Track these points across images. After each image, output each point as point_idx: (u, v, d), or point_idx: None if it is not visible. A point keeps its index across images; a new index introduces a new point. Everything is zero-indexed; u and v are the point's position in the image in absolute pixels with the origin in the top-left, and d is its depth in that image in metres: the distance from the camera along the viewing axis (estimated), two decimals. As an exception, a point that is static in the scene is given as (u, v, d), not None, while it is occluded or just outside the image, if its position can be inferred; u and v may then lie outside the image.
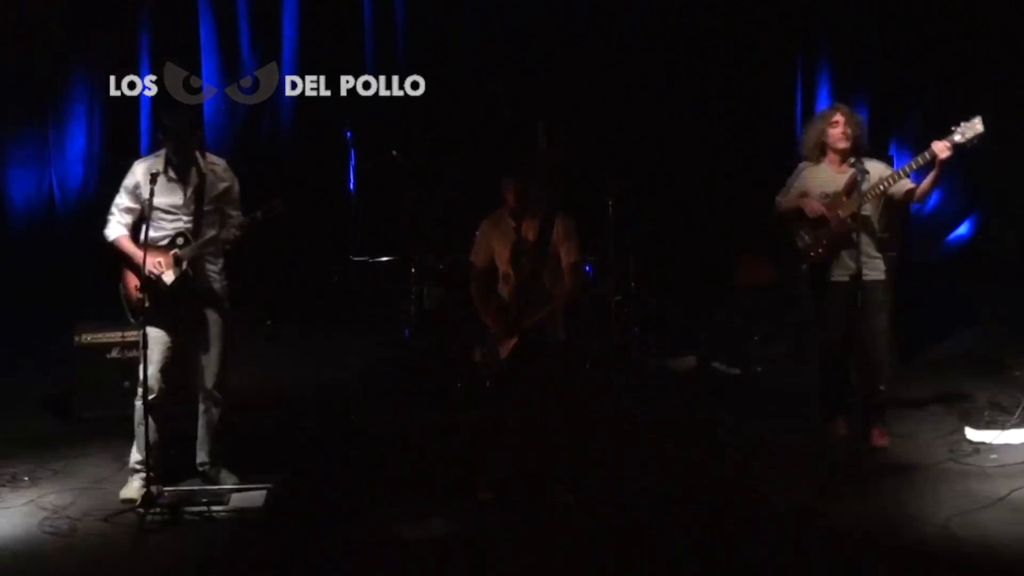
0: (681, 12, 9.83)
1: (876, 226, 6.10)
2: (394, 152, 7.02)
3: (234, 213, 5.83)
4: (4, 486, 6.04)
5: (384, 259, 8.64)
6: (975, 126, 5.80)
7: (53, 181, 9.71)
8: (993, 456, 6.11)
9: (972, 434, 6.38)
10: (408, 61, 10.05)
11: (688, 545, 5.19)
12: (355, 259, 9.22)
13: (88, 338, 6.95)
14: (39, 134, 9.64)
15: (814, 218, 6.07)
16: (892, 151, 9.60)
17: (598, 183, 7.77)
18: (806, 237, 6.13)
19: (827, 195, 6.10)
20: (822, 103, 10.00)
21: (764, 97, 9.73)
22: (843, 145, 6.06)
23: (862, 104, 9.92)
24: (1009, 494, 5.53)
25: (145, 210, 5.68)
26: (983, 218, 9.81)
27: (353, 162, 9.04)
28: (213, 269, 5.84)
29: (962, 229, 9.96)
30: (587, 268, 7.15)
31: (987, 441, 6.27)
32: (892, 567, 4.92)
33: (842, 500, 5.52)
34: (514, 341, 5.57)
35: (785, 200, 6.22)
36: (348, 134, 9.15)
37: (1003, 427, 6.35)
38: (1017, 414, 6.47)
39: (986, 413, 6.72)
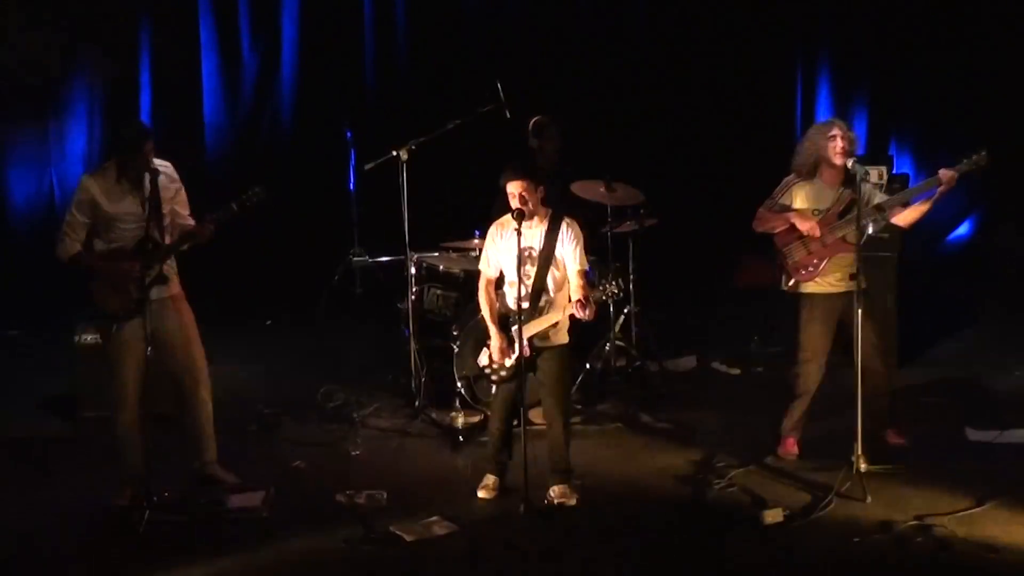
0: (681, 13, 9.84)
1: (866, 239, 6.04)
2: (395, 152, 7.02)
3: (184, 212, 5.82)
4: (5, 485, 6.04)
5: (384, 259, 8.64)
6: (982, 159, 5.74)
7: (53, 181, 9.72)
8: (993, 457, 6.10)
9: (972, 434, 6.38)
10: (408, 61, 10.06)
11: (687, 545, 5.19)
12: (355, 259, 9.23)
13: (88, 338, 6.94)
14: (39, 134, 9.65)
15: (808, 236, 5.99)
16: (892, 151, 9.62)
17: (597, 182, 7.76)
18: (796, 254, 6.05)
19: (819, 211, 6.02)
20: (822, 103, 10.02)
21: (764, 97, 9.74)
22: (840, 161, 5.96)
23: (862, 104, 9.94)
24: (1009, 494, 5.53)
25: (99, 223, 5.68)
26: (983, 218, 9.82)
27: (353, 162, 9.05)
28: (172, 272, 5.81)
29: (962, 229, 9.97)
30: (588, 273, 7.14)
31: (987, 441, 6.27)
32: (892, 567, 4.93)
33: (842, 500, 5.52)
34: (520, 348, 5.55)
35: (772, 215, 6.06)
36: (348, 134, 9.16)
37: (1003, 427, 6.35)
38: (1017, 414, 6.46)
39: (986, 413, 6.71)
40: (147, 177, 5.66)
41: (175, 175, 5.86)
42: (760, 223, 6.10)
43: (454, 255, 7.30)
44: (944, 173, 5.73)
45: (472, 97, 7.29)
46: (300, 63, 10.10)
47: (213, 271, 6.00)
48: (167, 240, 5.70)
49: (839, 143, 5.91)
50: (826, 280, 6.00)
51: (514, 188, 5.53)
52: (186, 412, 5.91)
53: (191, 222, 5.80)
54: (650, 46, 9.95)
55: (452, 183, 8.51)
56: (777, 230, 6.05)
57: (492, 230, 5.77)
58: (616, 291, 5.60)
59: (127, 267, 5.61)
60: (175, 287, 5.84)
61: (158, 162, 5.78)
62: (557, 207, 5.83)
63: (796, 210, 6.01)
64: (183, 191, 5.87)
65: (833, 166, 5.96)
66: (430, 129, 7.12)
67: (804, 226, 5.94)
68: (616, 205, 7.29)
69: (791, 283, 6.06)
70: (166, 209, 5.74)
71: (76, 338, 6.96)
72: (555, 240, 5.61)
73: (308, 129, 10.06)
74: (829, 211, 5.98)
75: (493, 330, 5.71)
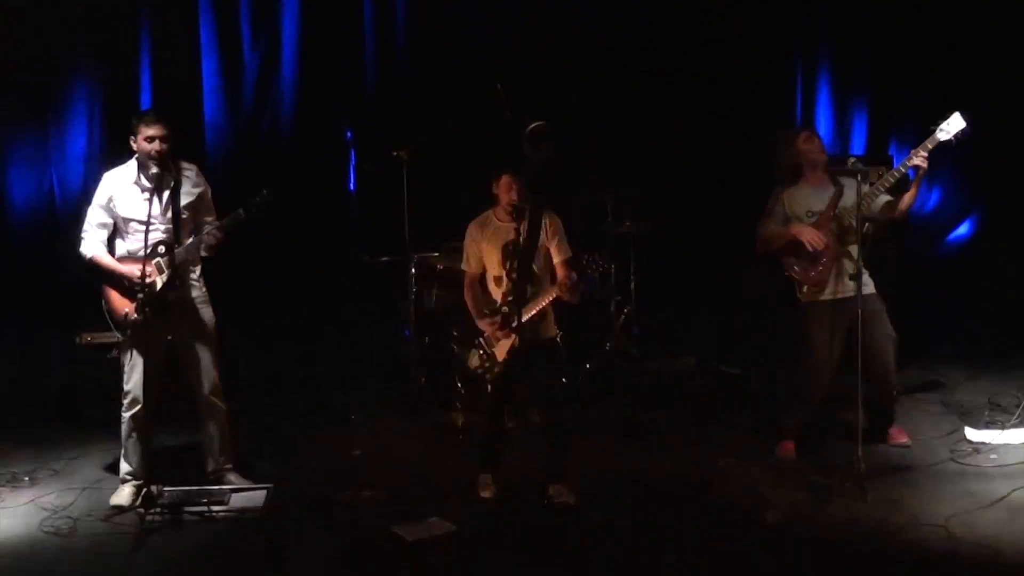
0: (681, 12, 9.83)
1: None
2: (395, 152, 7.02)
3: (209, 219, 5.79)
4: (4, 486, 6.05)
5: (384, 259, 8.62)
6: (957, 121, 5.76)
7: (53, 181, 9.70)
8: (993, 456, 6.11)
9: (972, 434, 6.38)
10: (408, 61, 10.06)
11: (687, 546, 5.19)
12: (355, 259, 9.22)
13: (88, 338, 6.95)
14: (39, 134, 9.63)
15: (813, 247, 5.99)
16: (892, 151, 9.61)
17: (598, 184, 7.77)
18: (802, 262, 6.03)
19: (813, 213, 6.04)
20: (822, 103, 10.01)
21: (764, 98, 9.73)
22: (823, 158, 6.02)
23: (862, 104, 9.93)
24: (1009, 494, 5.53)
25: (119, 223, 5.66)
26: (983, 218, 9.81)
27: (353, 162, 9.04)
28: (193, 276, 5.81)
29: (962, 229, 9.96)
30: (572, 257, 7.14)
31: (987, 441, 6.27)
32: (892, 567, 4.93)
33: (842, 500, 5.52)
34: (510, 343, 5.57)
35: (773, 232, 6.08)
36: (348, 134, 9.15)
37: (1003, 427, 6.35)
38: (1017, 414, 6.47)
39: (986, 413, 6.72)
40: (167, 179, 5.63)
41: (200, 179, 5.81)
42: (763, 245, 6.12)
43: (454, 255, 7.29)
44: (918, 159, 5.77)
45: (472, 97, 7.28)
46: (300, 63, 10.07)
47: (211, 271, 5.99)
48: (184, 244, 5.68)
49: (816, 143, 6.00)
50: (828, 288, 6.01)
51: (510, 182, 5.58)
52: (200, 416, 5.91)
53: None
54: (649, 46, 9.93)
55: (452, 183, 8.50)
56: (779, 246, 6.07)
57: (472, 228, 5.80)
58: (601, 264, 5.60)
59: (132, 271, 5.58)
60: (196, 290, 5.81)
61: (183, 165, 5.77)
62: (539, 204, 5.83)
63: (790, 222, 6.03)
64: (208, 196, 5.82)
65: (816, 166, 6.01)
66: (430, 129, 7.11)
67: (807, 237, 5.93)
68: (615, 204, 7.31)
69: (804, 290, 6.07)
70: (187, 214, 5.72)
71: (76, 338, 6.95)
72: (537, 233, 5.64)
73: (308, 129, 10.04)
74: (823, 213, 6.00)
75: (482, 321, 5.71)
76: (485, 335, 5.72)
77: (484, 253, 5.72)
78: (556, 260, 5.68)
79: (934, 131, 5.79)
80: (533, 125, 7.45)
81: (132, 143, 5.67)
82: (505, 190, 5.61)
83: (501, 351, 5.66)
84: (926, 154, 5.79)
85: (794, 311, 6.15)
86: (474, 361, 5.77)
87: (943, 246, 9.91)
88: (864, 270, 5.92)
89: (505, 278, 5.64)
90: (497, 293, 5.71)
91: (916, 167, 5.82)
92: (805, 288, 6.07)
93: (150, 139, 5.60)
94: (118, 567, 5.12)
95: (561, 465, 5.70)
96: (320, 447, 6.57)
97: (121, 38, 9.64)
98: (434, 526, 5.36)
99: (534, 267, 5.65)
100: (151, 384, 5.72)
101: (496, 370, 5.69)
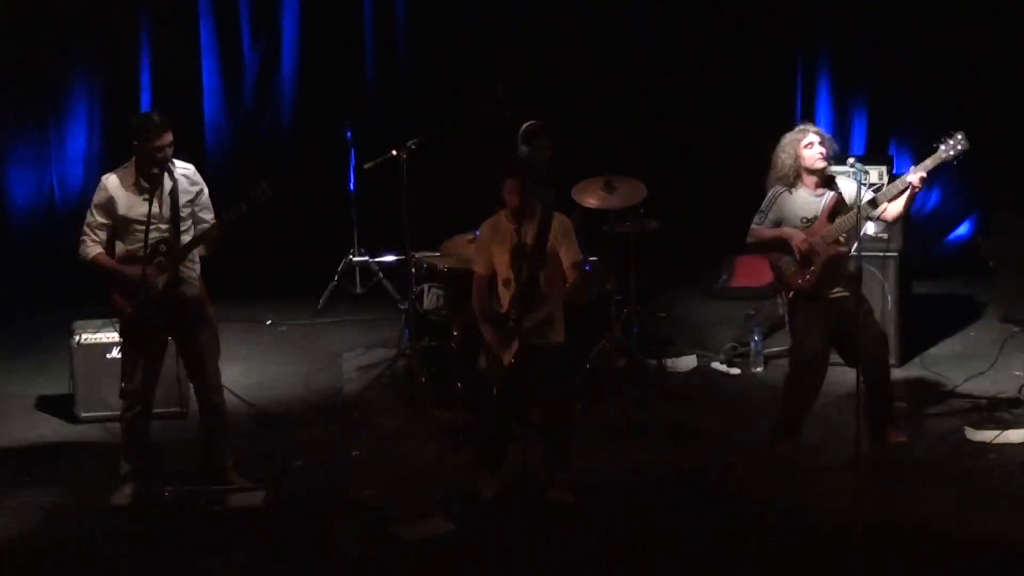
0: (681, 12, 9.84)
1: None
2: (395, 151, 7.01)
3: (207, 217, 5.79)
4: (4, 486, 6.04)
5: (384, 259, 8.63)
6: (960, 142, 5.75)
7: (53, 181, 9.71)
8: (993, 456, 6.11)
9: (972, 434, 6.38)
10: (408, 61, 10.07)
11: (687, 545, 5.19)
12: (355, 259, 9.22)
13: (87, 338, 6.94)
14: (39, 134, 9.64)
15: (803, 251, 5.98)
16: (892, 151, 9.62)
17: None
18: (792, 266, 6.02)
19: (807, 220, 6.00)
20: (822, 103, 10.02)
21: (764, 97, 9.73)
22: (822, 165, 5.97)
23: (862, 104, 9.94)
24: (1009, 494, 5.53)
25: (119, 224, 5.66)
26: (983, 218, 9.81)
27: (353, 162, 9.04)
28: (193, 276, 5.82)
29: (962, 229, 9.96)
30: (586, 268, 7.13)
31: (987, 441, 6.27)
32: (892, 567, 4.93)
33: (841, 500, 5.52)
34: (516, 345, 5.56)
35: (764, 233, 6.04)
36: (348, 134, 9.15)
37: (1003, 427, 6.35)
38: (1017, 414, 6.46)
39: (986, 413, 6.71)
40: (165, 178, 5.64)
41: (197, 178, 5.81)
42: (754, 237, 6.10)
43: (454, 255, 7.29)
44: (913, 176, 5.75)
45: (472, 97, 7.28)
46: (300, 63, 10.09)
47: (212, 271, 5.99)
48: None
49: (818, 149, 5.92)
50: (823, 288, 6.00)
51: (513, 185, 5.54)
52: (200, 414, 5.92)
53: None
54: (650, 46, 9.95)
55: (452, 183, 8.50)
56: (771, 247, 6.06)
57: (484, 229, 5.78)
58: (607, 270, 5.58)
59: (133, 271, 5.59)
60: (195, 290, 5.81)
61: (179, 164, 5.76)
62: (547, 206, 5.82)
63: (782, 224, 6.01)
64: (206, 194, 5.81)
65: (814, 172, 5.97)
66: (430, 129, 7.11)
67: (796, 243, 5.92)
68: (618, 207, 7.27)
69: (791, 295, 6.05)
70: (185, 212, 5.72)
71: (75, 338, 6.95)
72: (546, 235, 5.62)
73: (308, 129, 10.05)
74: (817, 218, 5.98)
75: (488, 330, 5.70)
76: (494, 337, 5.70)
77: (494, 255, 5.71)
78: (566, 263, 5.65)
79: (937, 148, 5.77)
80: (526, 124, 7.44)
81: (137, 147, 5.64)
82: (509, 193, 5.56)
83: (507, 355, 5.65)
84: (924, 174, 5.78)
85: (792, 310, 6.14)
86: (482, 362, 5.77)
87: (943, 246, 9.91)
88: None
89: (513, 281, 5.61)
90: (506, 296, 5.68)
91: (911, 185, 5.81)
92: (792, 293, 6.05)
93: (160, 148, 5.60)
94: (118, 567, 5.12)
95: (561, 465, 5.70)
96: (320, 447, 6.57)
97: (121, 38, 9.66)
98: (434, 526, 5.35)
99: (542, 272, 5.63)
100: (151, 384, 5.73)
101: (502, 373, 5.67)
